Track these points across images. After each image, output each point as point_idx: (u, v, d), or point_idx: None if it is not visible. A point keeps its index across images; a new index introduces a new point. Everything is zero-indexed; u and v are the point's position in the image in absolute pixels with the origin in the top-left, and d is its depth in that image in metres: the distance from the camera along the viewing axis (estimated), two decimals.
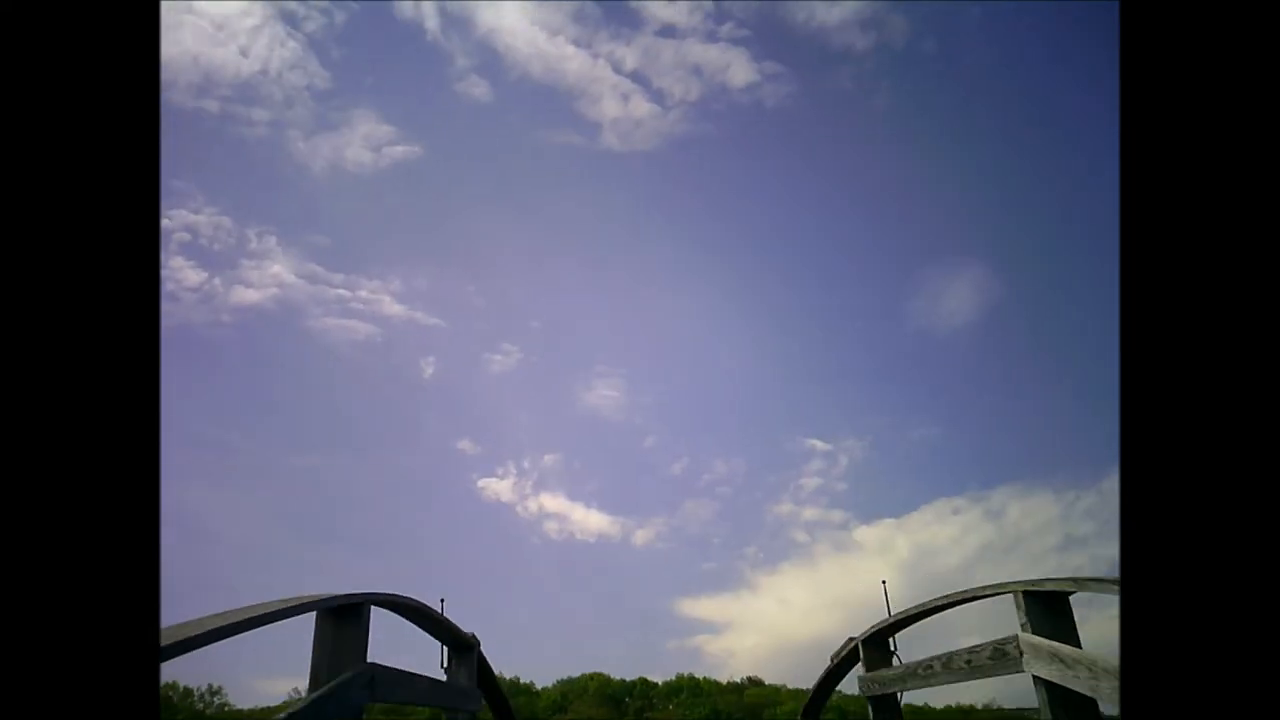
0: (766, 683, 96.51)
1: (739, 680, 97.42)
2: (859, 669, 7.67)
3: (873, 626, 7.93)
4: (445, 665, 7.48)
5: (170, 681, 78.60)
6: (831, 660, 9.02)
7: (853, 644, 8.28)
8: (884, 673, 7.46)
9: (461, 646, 7.52)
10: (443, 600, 7.85)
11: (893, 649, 7.73)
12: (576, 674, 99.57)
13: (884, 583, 8.64)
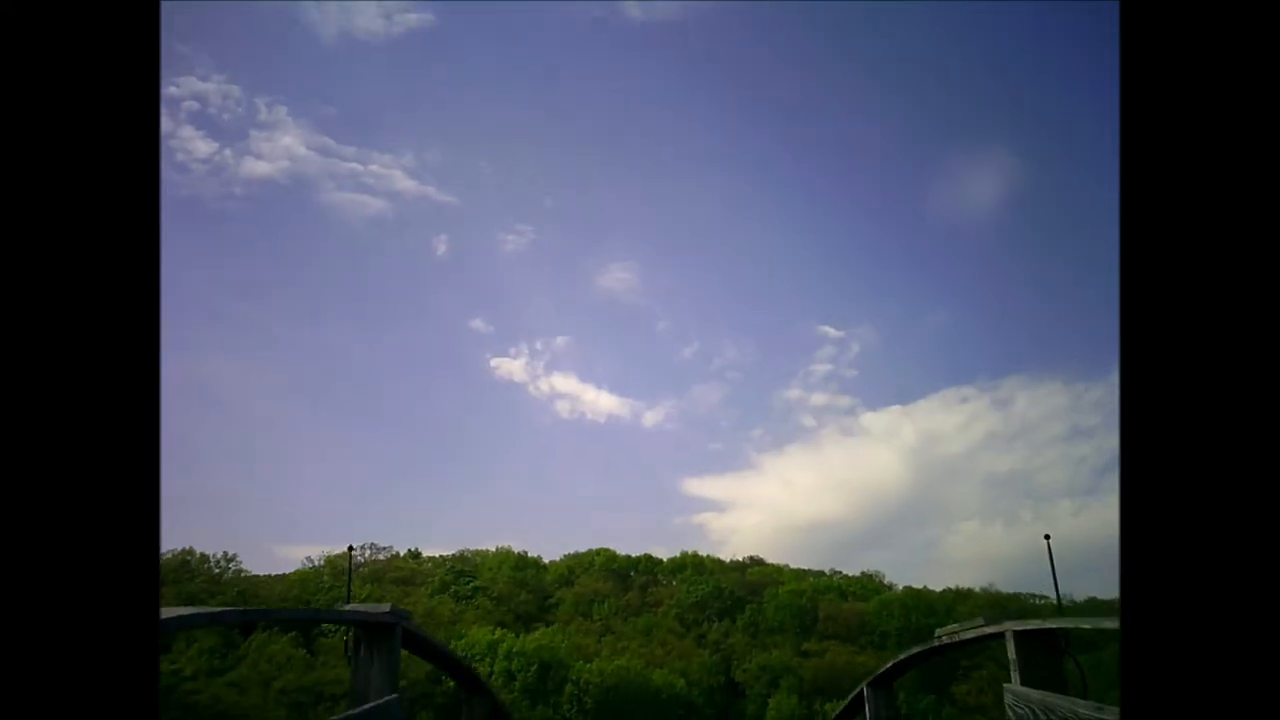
0: (768, 562, 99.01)
1: (741, 559, 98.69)
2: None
3: (884, 669, 10.16)
4: (350, 654, 7.19)
5: (187, 548, 75.84)
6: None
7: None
8: None
9: (374, 629, 7.01)
10: (351, 548, 11.30)
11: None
12: (584, 549, 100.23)
13: (1047, 540, 8.43)
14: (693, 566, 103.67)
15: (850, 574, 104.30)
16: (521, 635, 65.21)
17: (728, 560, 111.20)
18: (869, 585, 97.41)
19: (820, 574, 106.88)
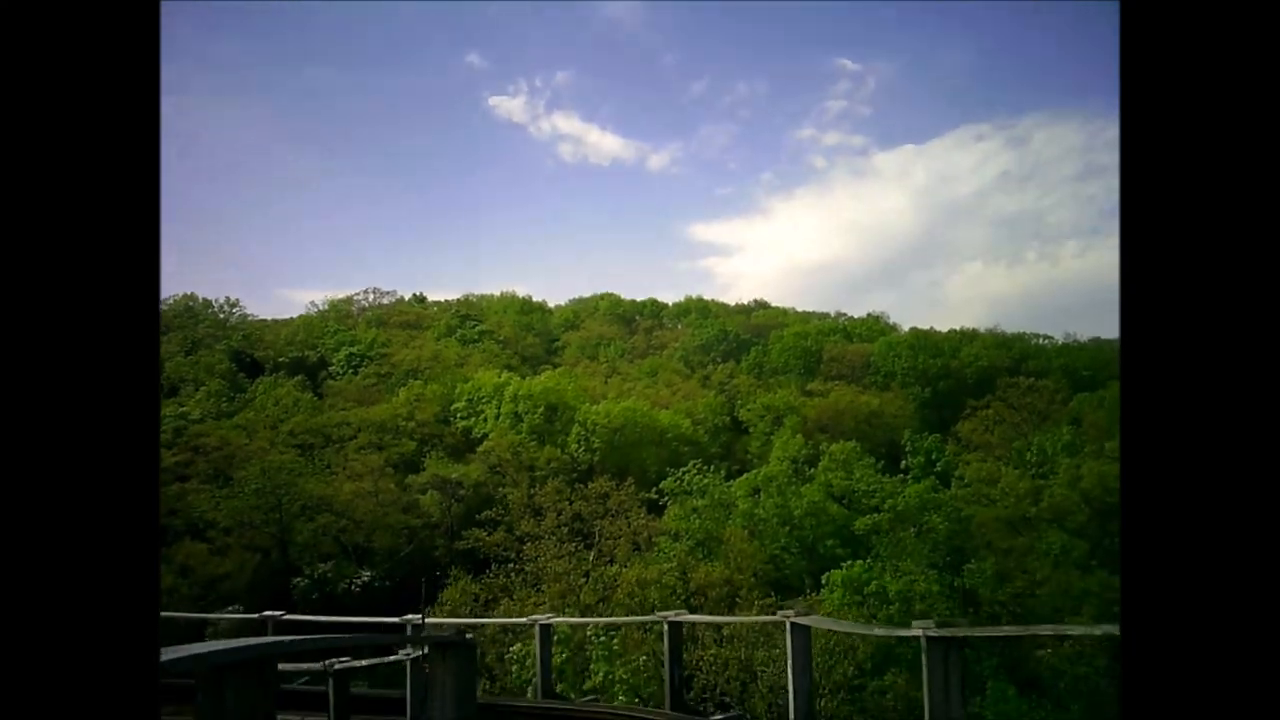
0: (773, 305, 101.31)
1: (747, 303, 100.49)
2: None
3: None
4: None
5: (189, 293, 78.60)
6: None
7: None
8: None
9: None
10: None
11: None
12: (588, 294, 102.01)
13: None
14: (698, 310, 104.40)
15: (856, 316, 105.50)
16: (528, 378, 65.54)
17: (733, 304, 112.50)
18: (874, 327, 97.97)
19: (825, 316, 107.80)
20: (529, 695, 13.23)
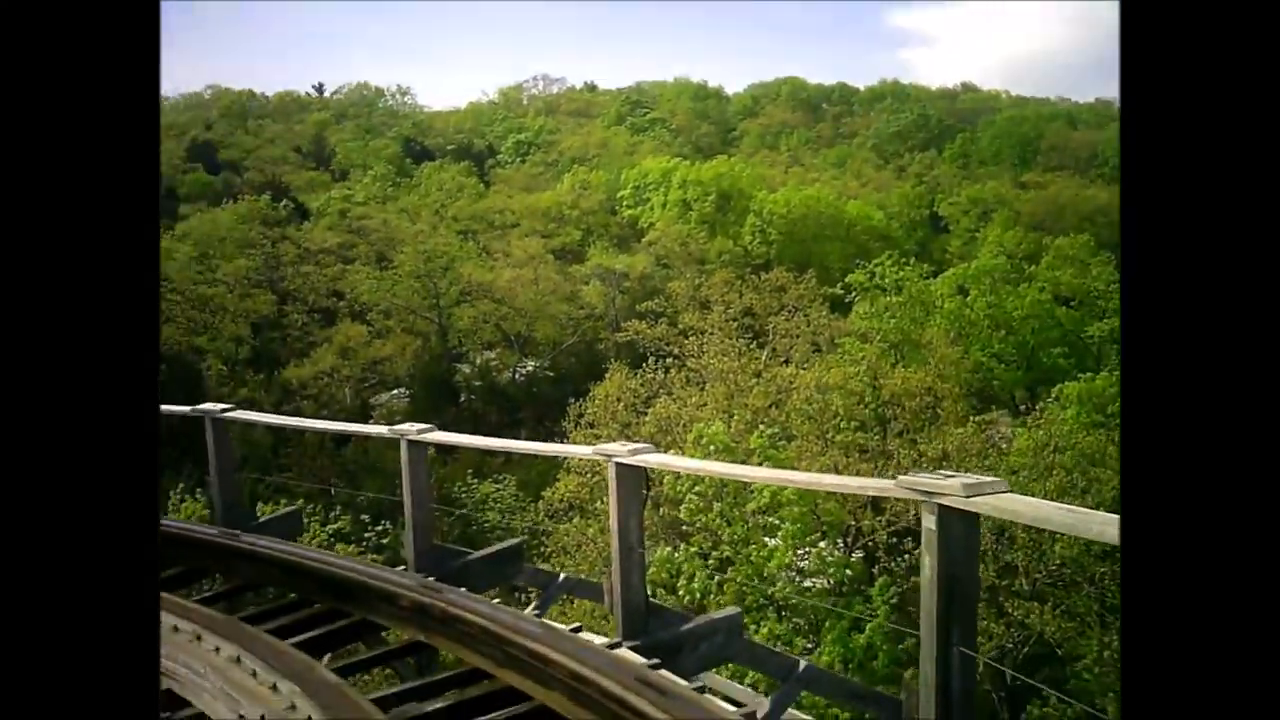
0: (983, 89, 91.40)
1: (951, 86, 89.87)
2: None
3: None
4: None
5: (362, 81, 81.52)
6: None
7: None
8: None
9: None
10: None
11: None
12: (769, 78, 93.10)
13: None
14: (894, 95, 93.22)
15: (1081, 101, 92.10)
16: (698, 164, 59.65)
17: (934, 88, 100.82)
18: (1104, 113, 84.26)
19: (1045, 101, 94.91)
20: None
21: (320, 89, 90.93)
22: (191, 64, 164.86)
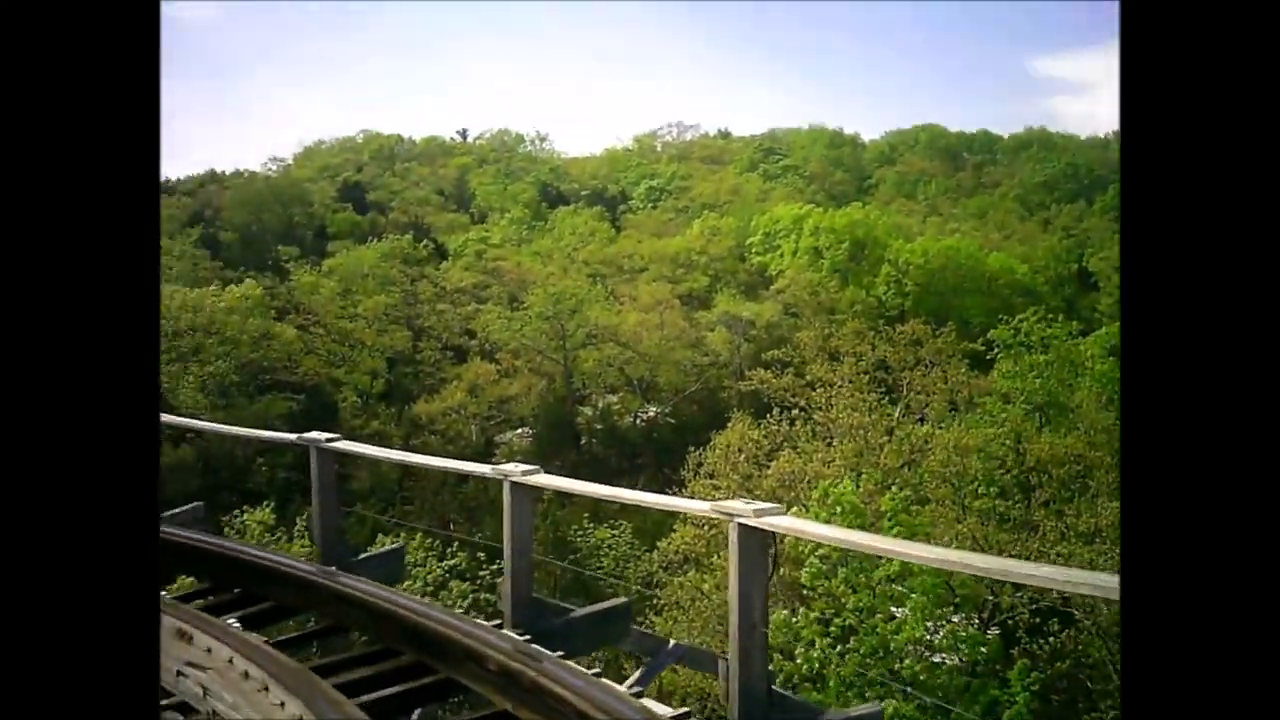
0: None
1: (1103, 135, 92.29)
2: None
3: None
4: None
5: (503, 128, 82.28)
6: None
7: None
8: None
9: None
10: None
11: None
12: (907, 125, 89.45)
13: None
14: (1040, 143, 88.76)
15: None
16: (831, 211, 58.43)
17: (1084, 137, 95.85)
18: None
19: None
20: None
21: (464, 134, 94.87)
22: (345, 111, 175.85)
